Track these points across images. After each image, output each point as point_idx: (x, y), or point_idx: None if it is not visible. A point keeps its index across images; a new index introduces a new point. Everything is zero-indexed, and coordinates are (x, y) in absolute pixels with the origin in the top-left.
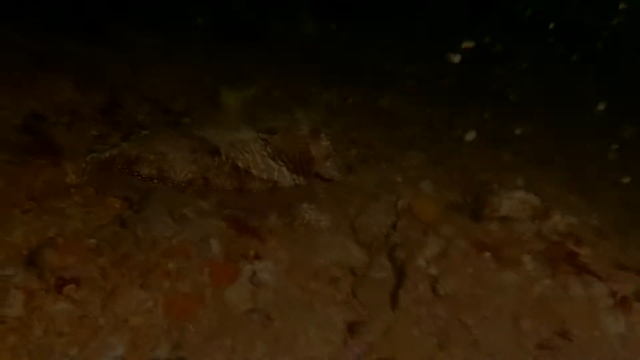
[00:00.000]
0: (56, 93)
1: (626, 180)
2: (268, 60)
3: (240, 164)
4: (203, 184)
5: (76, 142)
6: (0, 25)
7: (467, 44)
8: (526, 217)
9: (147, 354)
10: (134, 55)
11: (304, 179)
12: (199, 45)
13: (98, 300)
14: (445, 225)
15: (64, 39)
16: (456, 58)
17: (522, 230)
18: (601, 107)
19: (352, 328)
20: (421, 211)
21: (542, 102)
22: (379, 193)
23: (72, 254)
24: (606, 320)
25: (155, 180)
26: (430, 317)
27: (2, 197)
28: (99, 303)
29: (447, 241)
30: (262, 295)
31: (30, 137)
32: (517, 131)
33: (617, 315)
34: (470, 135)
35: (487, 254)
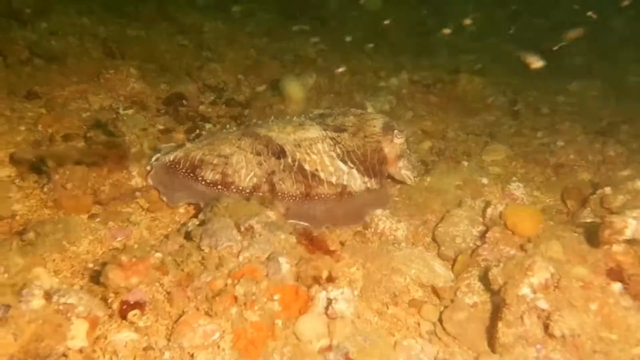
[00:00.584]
0: (121, 83)
1: None
2: (332, 45)
3: (307, 167)
4: (268, 190)
5: (141, 139)
6: (67, 7)
7: None
8: None
9: None
10: (197, 40)
11: (377, 181)
12: (264, 30)
13: (163, 328)
14: (550, 242)
15: (128, 23)
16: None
17: None
18: None
19: None
20: (516, 222)
21: None
22: (462, 197)
23: (137, 272)
24: None
25: (220, 186)
26: None
27: (70, 201)
28: (163, 332)
29: (558, 265)
30: (338, 329)
31: (100, 134)
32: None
33: None
34: (564, 124)
35: (617, 286)
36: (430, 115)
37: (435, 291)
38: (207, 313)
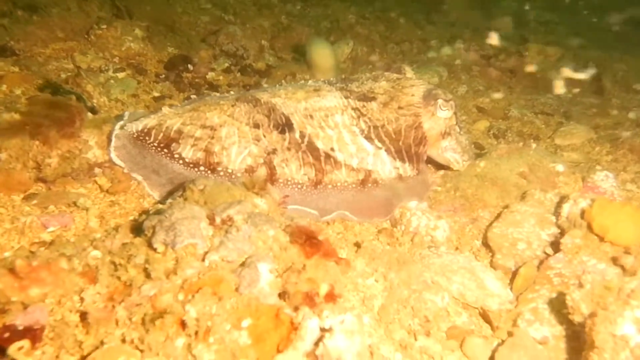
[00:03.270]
0: (116, 42)
1: None
2: (370, 6)
3: (320, 144)
4: (267, 174)
5: (126, 105)
6: None
7: None
8: None
9: None
10: (222, 3)
11: (412, 166)
12: None
13: None
14: None
15: None
16: None
17: None
18: None
19: None
20: (607, 224)
21: None
22: (527, 188)
23: (39, 281)
24: None
25: (202, 168)
26: None
27: (1, 176)
28: None
29: None
30: None
31: (63, 95)
32: None
33: None
34: None
35: None
36: (489, 90)
37: (486, 316)
38: (136, 346)
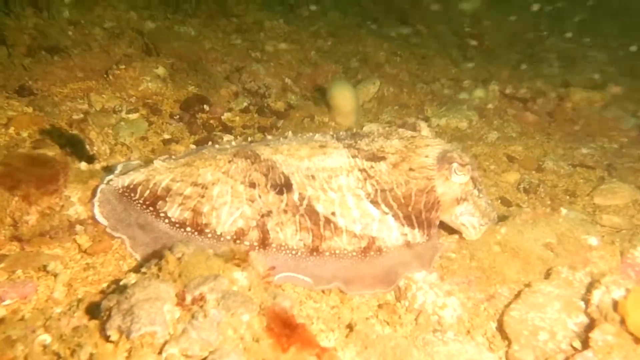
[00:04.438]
0: (133, 82)
1: None
2: (405, 42)
3: (320, 208)
4: (258, 239)
5: (131, 150)
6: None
7: None
8: None
9: None
10: (251, 40)
11: (422, 232)
12: (331, 30)
13: None
14: None
15: (182, 20)
16: None
17: None
18: None
19: None
20: None
21: None
22: (554, 263)
23: None
24: None
25: (188, 229)
26: None
27: None
28: None
29: None
30: None
31: (50, 142)
32: None
33: None
34: None
35: None
36: (524, 137)
37: None
38: None
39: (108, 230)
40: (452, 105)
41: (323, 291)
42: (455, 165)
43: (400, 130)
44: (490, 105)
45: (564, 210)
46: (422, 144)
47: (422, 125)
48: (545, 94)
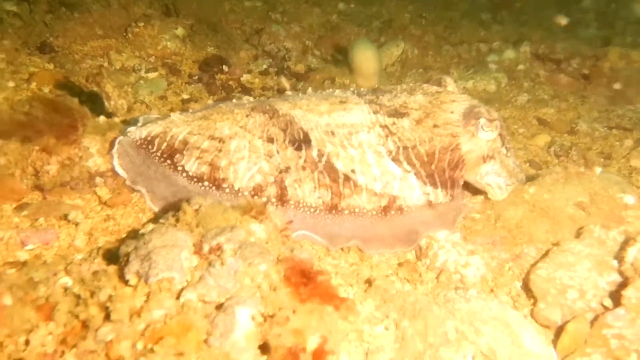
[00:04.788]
0: (152, 40)
1: None
2: (430, 4)
3: (339, 165)
4: (276, 195)
5: (150, 107)
6: None
7: None
8: None
9: None
10: (273, 1)
11: (445, 192)
12: None
13: None
14: None
15: None
16: None
17: None
18: None
19: None
20: None
21: None
22: (586, 222)
23: None
24: None
25: (206, 183)
26: None
27: None
28: None
29: None
30: None
31: (66, 94)
32: None
33: None
34: None
35: None
36: (556, 100)
37: None
38: None
39: (127, 183)
40: (480, 68)
41: (342, 249)
42: (482, 120)
43: (424, 85)
44: (520, 67)
45: (598, 169)
46: (447, 99)
47: (448, 80)
48: (581, 53)
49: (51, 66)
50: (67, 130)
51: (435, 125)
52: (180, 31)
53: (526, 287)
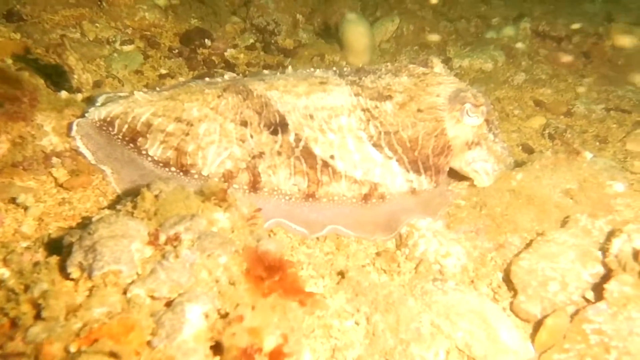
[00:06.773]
0: (129, 10)
1: None
2: None
3: (318, 150)
4: (248, 182)
5: (114, 84)
6: None
7: None
8: None
9: None
10: None
11: (429, 179)
12: None
13: None
14: None
15: None
16: None
17: None
18: None
19: None
20: None
21: None
22: (572, 211)
23: None
24: None
25: (173, 169)
26: None
27: None
28: None
29: None
30: None
31: (22, 67)
32: None
33: None
34: None
35: None
36: (554, 80)
37: None
38: None
39: (92, 162)
40: (478, 45)
41: (318, 238)
42: (468, 106)
43: (411, 66)
44: (519, 45)
45: (588, 155)
46: (433, 81)
47: (435, 61)
48: (583, 31)
49: (17, 36)
50: (13, 103)
51: (419, 110)
52: (161, 1)
53: (507, 279)
